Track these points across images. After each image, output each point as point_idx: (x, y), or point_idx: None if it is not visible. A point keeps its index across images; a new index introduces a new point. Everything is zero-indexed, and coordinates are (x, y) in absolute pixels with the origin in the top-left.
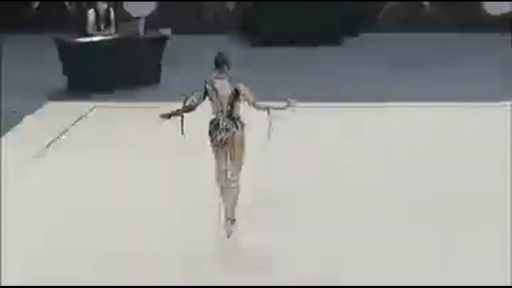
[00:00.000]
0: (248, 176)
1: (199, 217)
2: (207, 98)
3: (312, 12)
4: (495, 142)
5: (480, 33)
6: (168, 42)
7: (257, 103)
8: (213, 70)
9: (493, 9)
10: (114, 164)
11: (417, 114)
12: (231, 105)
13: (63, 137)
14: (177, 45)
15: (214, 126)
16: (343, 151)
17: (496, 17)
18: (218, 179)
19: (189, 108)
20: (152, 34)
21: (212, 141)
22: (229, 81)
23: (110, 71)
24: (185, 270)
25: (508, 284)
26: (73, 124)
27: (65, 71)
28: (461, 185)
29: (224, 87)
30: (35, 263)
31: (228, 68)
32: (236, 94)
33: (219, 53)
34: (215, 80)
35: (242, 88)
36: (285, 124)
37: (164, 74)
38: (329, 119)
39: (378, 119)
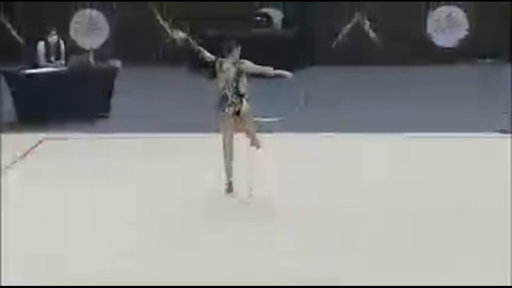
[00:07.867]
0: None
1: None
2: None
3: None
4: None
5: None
6: (118, 74)
7: (263, 68)
8: (226, 54)
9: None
10: (61, 196)
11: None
12: (237, 82)
13: (11, 169)
14: (127, 77)
15: (223, 100)
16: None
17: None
18: (224, 146)
19: (199, 51)
20: (102, 65)
21: (222, 111)
22: (234, 63)
23: (60, 103)
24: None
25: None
26: (21, 157)
27: (14, 103)
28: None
29: (229, 67)
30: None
31: (230, 52)
32: (240, 72)
33: (229, 42)
34: (224, 61)
35: (245, 66)
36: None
37: (114, 106)
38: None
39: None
